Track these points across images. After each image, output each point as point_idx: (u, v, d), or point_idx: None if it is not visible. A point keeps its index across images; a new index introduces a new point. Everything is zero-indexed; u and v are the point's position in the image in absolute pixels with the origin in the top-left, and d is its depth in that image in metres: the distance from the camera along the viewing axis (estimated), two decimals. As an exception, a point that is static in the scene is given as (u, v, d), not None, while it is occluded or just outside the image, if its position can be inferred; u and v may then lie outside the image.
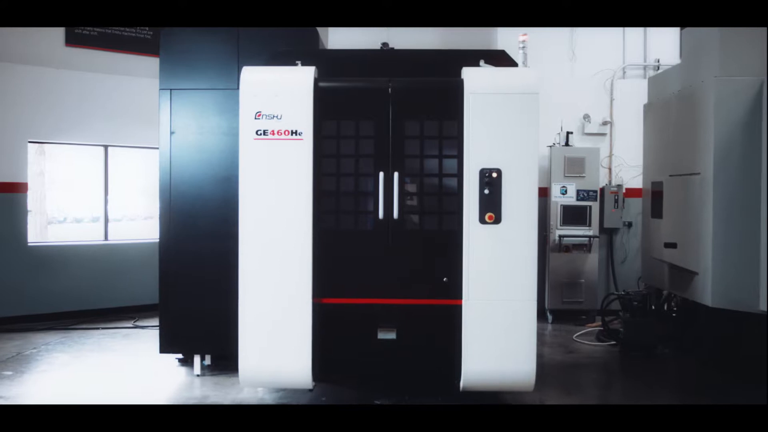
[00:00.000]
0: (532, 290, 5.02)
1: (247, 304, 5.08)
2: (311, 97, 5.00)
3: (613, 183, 9.28)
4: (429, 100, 5.13)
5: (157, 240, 6.27)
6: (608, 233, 9.31)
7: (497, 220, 4.98)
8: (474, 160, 4.99)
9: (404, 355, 5.11)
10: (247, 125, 5.02)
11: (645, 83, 8.83)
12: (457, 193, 5.03)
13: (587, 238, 8.79)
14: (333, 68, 5.41)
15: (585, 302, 8.83)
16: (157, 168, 6.24)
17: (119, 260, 9.27)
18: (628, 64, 9.45)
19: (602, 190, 9.04)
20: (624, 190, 9.20)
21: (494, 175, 4.96)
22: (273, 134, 5.00)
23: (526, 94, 4.96)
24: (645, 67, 9.46)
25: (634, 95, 9.00)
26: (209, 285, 6.04)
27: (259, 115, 5.00)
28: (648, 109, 7.33)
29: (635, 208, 9.11)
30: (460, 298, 5.02)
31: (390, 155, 5.07)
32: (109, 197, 9.44)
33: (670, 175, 6.43)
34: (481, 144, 4.98)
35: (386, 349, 5.08)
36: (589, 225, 8.81)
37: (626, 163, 9.32)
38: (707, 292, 5.80)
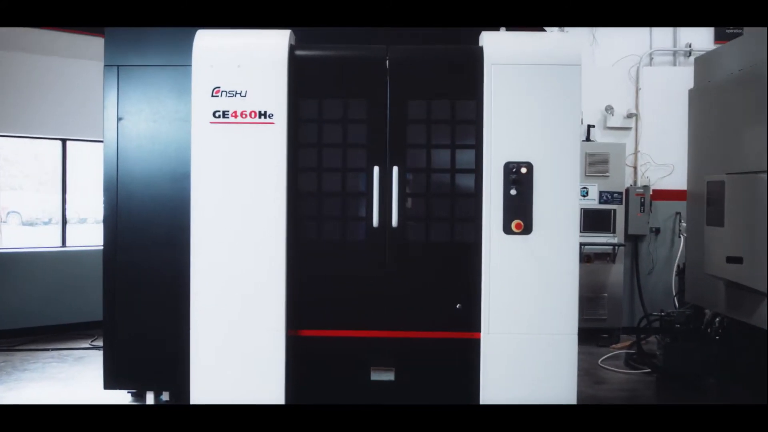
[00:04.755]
0: (572, 321, 4.20)
1: (201, 336, 4.22)
2: (285, 69, 4.18)
3: (639, 183, 8.53)
4: (438, 74, 4.33)
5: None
6: (633, 241, 8.55)
7: (527, 229, 4.19)
8: (497, 151, 4.19)
9: (404, 402, 4.31)
10: (201, 105, 4.18)
11: (675, 70, 8.52)
12: (475, 195, 4.24)
13: (611, 247, 7.98)
14: (315, 35, 4.57)
15: (608, 319, 8.04)
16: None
17: (79, 269, 8.41)
18: (655, 49, 8.68)
19: (627, 191, 8.25)
20: (651, 192, 8.44)
21: (523, 170, 4.17)
22: (235, 116, 4.18)
23: (564, 66, 4.13)
24: (675, 53, 8.70)
25: (663, 84, 8.44)
26: (164, 305, 5.16)
27: (218, 92, 4.17)
28: (695, 95, 6.36)
29: (663, 212, 8.52)
30: (478, 330, 4.23)
31: (387, 145, 4.29)
32: (67, 197, 8.59)
33: (727, 173, 5.46)
34: (507, 130, 4.18)
35: (381, 393, 4.33)
36: (614, 231, 8.02)
37: (653, 161, 8.55)
38: (782, 318, 4.79)
